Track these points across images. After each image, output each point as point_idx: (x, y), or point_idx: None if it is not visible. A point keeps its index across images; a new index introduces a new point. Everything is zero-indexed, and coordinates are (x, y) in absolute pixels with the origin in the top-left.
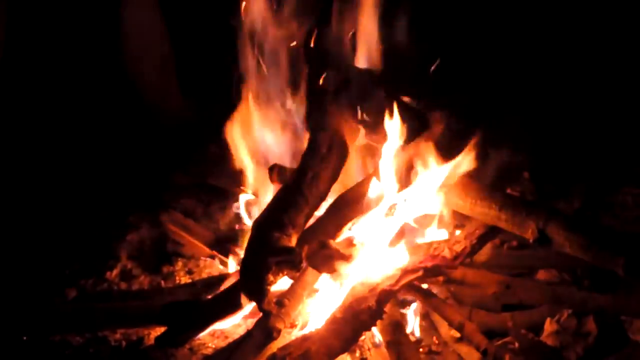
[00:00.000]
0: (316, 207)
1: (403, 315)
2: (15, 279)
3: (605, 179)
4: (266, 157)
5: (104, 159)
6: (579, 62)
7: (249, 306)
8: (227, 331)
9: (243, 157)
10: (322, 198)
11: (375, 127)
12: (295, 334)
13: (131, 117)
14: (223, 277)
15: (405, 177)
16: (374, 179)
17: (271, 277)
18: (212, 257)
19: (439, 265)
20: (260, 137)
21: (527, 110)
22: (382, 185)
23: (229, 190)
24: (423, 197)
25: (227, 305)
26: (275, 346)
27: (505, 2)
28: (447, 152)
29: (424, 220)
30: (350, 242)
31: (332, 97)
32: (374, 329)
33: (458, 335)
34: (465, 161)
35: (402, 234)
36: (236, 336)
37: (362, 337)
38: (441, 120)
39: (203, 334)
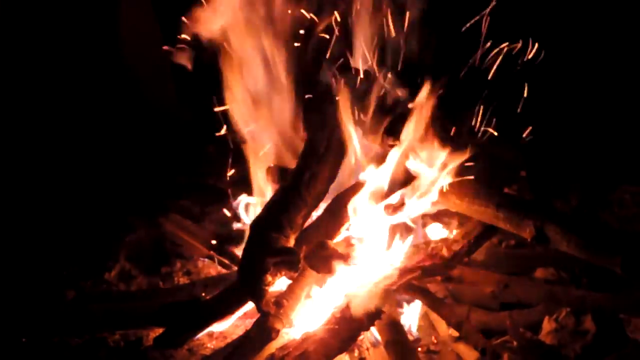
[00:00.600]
0: (314, 207)
1: (401, 315)
2: (15, 279)
3: (603, 177)
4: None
5: (103, 160)
6: (577, 60)
7: (247, 306)
8: (225, 332)
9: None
10: (320, 198)
11: (376, 127)
12: (294, 334)
13: (130, 118)
14: (221, 278)
15: (403, 177)
16: (369, 180)
17: (269, 278)
18: (211, 257)
19: (437, 264)
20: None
21: (525, 110)
22: (381, 184)
23: (227, 190)
24: (421, 197)
25: (226, 305)
26: (273, 346)
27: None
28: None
29: (422, 220)
30: (348, 242)
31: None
32: (373, 329)
33: (456, 334)
34: (460, 157)
35: (400, 233)
36: (235, 337)
37: (361, 337)
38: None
39: (201, 335)
